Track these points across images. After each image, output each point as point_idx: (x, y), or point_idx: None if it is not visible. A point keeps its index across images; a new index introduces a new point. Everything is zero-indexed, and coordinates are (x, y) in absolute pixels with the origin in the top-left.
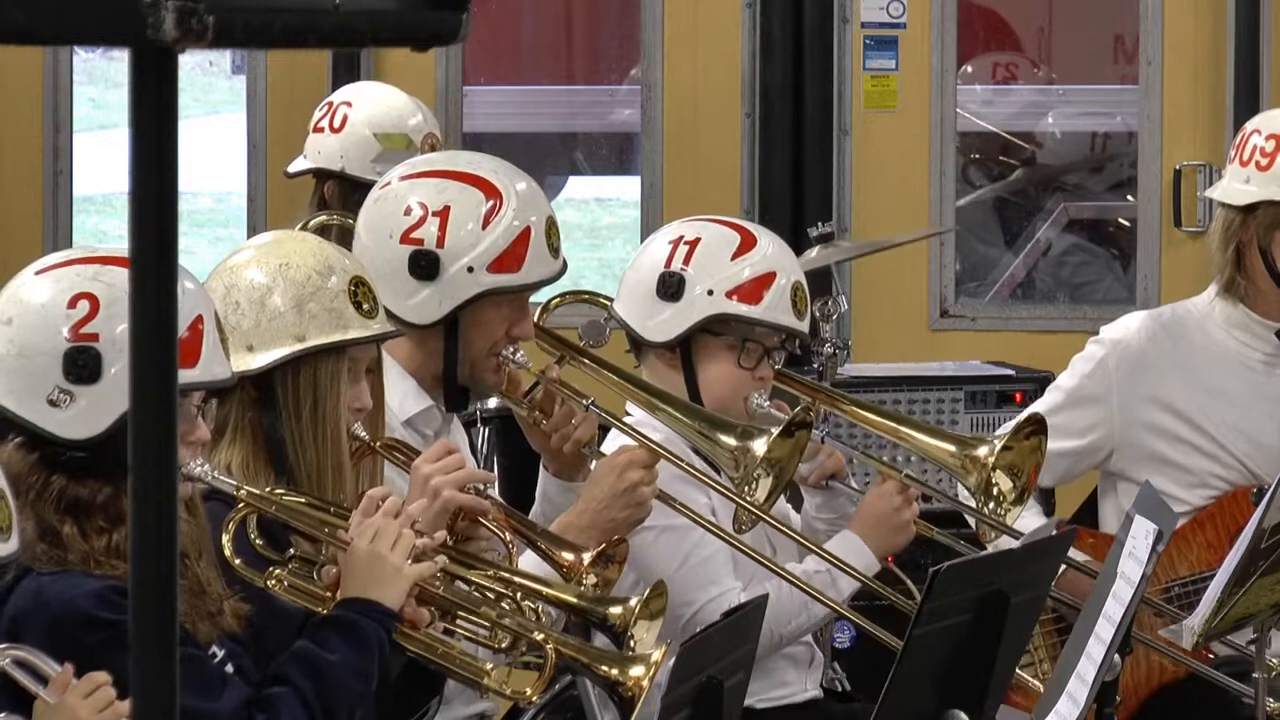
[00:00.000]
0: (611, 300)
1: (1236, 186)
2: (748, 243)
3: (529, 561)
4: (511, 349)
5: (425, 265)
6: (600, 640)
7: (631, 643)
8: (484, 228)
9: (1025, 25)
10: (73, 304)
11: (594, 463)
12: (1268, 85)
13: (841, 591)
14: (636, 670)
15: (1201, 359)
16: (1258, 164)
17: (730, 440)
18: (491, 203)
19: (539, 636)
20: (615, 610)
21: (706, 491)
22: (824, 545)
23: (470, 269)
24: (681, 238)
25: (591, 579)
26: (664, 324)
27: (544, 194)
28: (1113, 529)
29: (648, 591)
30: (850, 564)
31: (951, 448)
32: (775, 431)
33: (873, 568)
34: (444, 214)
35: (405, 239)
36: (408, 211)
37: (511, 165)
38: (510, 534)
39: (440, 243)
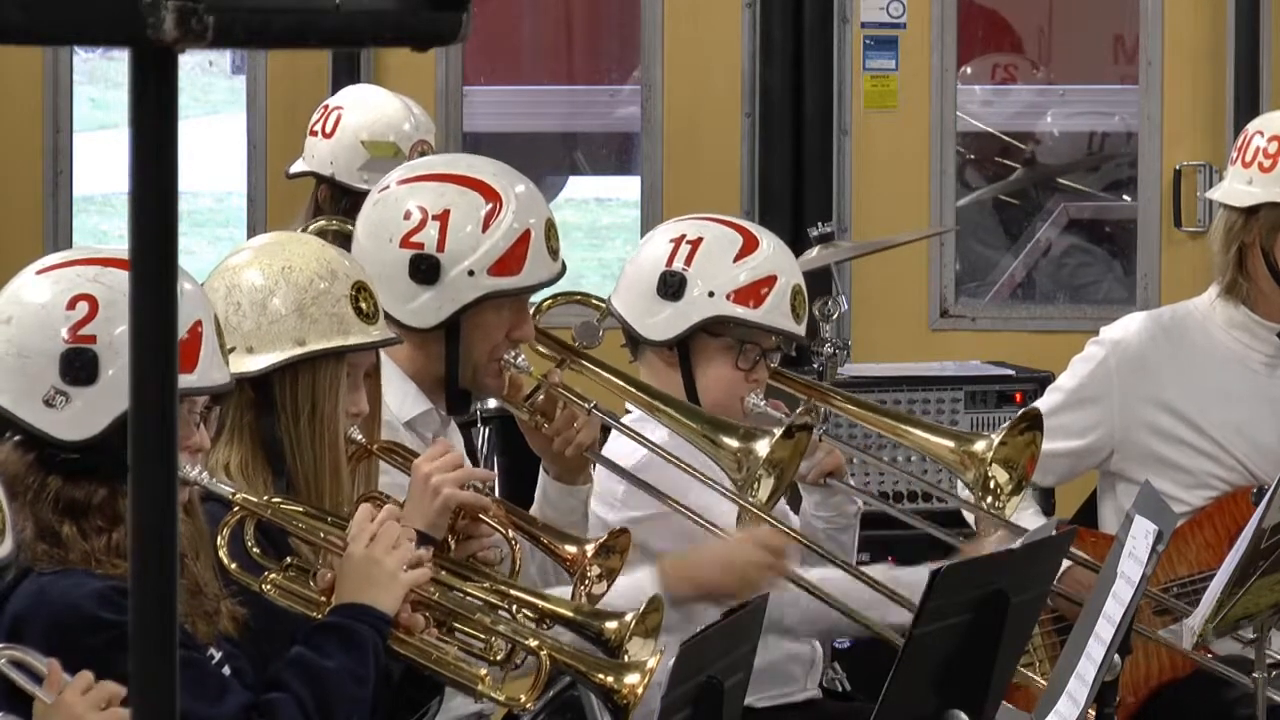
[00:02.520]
0: (604, 302)
1: (1238, 188)
2: (750, 244)
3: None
4: (513, 353)
5: (426, 269)
6: None
7: (626, 658)
8: (484, 231)
9: (1025, 25)
10: (72, 305)
11: (595, 466)
12: (1268, 85)
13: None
14: (631, 678)
15: (1202, 360)
16: (1260, 165)
17: (733, 442)
18: (491, 206)
19: (533, 643)
20: (611, 625)
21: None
22: (903, 572)
23: (471, 272)
24: (683, 236)
25: (595, 570)
26: (663, 323)
27: (543, 196)
28: (1112, 529)
29: (644, 606)
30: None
31: (949, 444)
32: (778, 433)
33: None
34: (444, 218)
35: (405, 243)
36: (407, 215)
37: (510, 168)
38: (512, 530)
39: (440, 246)
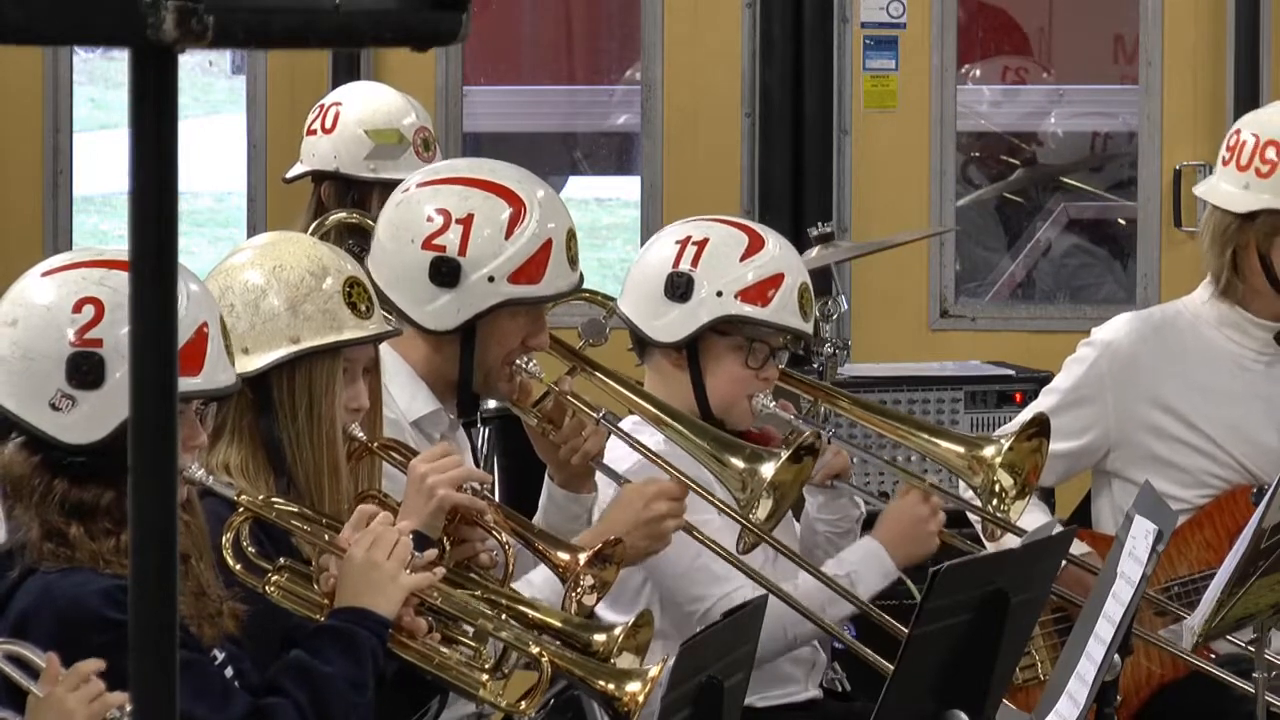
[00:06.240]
0: (613, 299)
1: (1233, 191)
2: (755, 244)
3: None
4: (525, 358)
5: (446, 272)
6: None
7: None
8: (506, 238)
9: (1025, 25)
10: (78, 308)
11: (600, 475)
12: (1268, 85)
13: (860, 597)
14: (633, 686)
15: (1194, 359)
16: (1257, 170)
17: (738, 462)
18: (514, 212)
19: (535, 650)
20: (599, 637)
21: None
22: (844, 552)
23: (491, 278)
24: (689, 238)
25: (589, 579)
26: (671, 324)
27: (564, 204)
28: (1107, 528)
29: (633, 619)
30: (869, 571)
31: (959, 449)
32: (784, 455)
33: (891, 575)
34: (467, 222)
35: (427, 245)
36: (430, 218)
37: (532, 174)
38: (507, 534)
39: (462, 250)
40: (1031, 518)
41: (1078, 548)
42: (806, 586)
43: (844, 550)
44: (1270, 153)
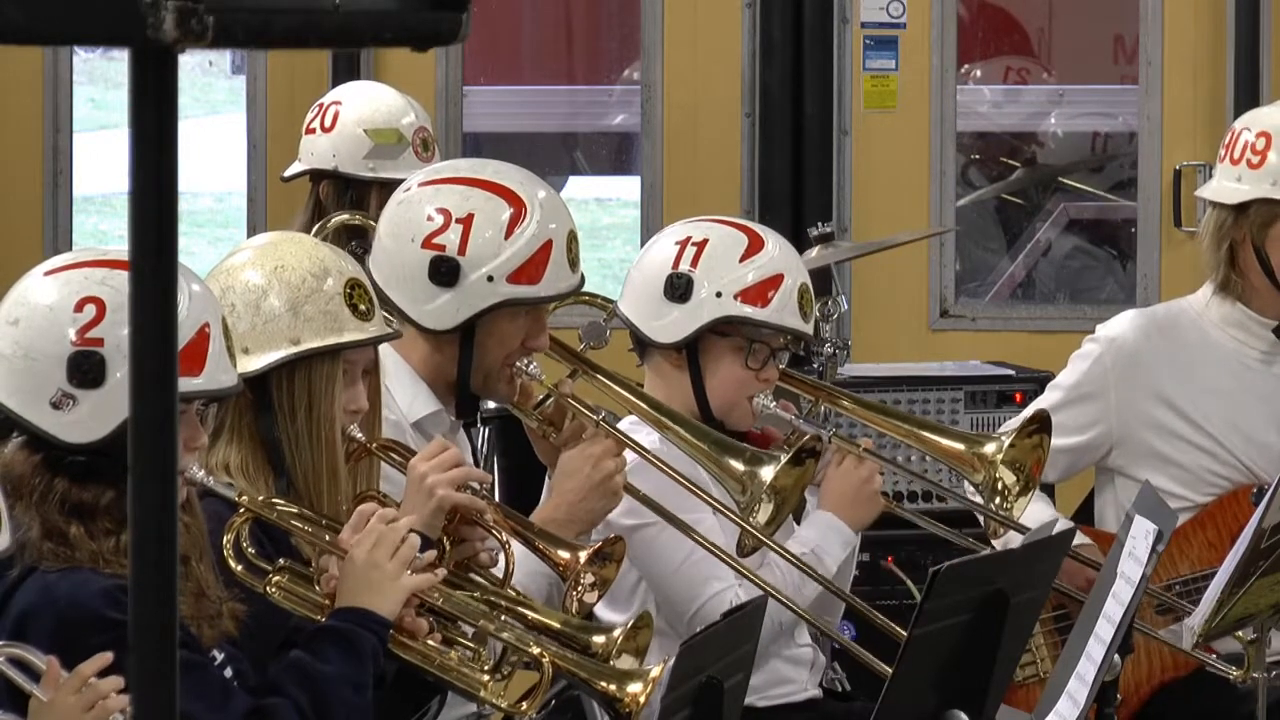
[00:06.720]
0: (612, 302)
1: (1228, 185)
2: (755, 244)
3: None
4: (525, 360)
5: (446, 272)
6: None
7: None
8: (506, 238)
9: (1026, 25)
10: (79, 308)
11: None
12: (1268, 85)
13: (829, 569)
14: (634, 687)
15: (1197, 357)
16: (1249, 162)
17: (738, 465)
18: (515, 212)
19: (535, 650)
20: (598, 639)
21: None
22: (800, 529)
23: (490, 278)
24: (689, 239)
25: (589, 578)
26: (671, 325)
27: (566, 206)
28: (1110, 525)
29: (632, 621)
30: (830, 543)
31: (960, 446)
32: (784, 459)
33: (850, 542)
34: (467, 222)
35: (427, 244)
36: (430, 218)
37: (535, 176)
38: (507, 533)
39: (462, 250)
40: (1035, 509)
41: (1081, 542)
42: (783, 567)
43: (800, 528)
44: (1261, 144)
